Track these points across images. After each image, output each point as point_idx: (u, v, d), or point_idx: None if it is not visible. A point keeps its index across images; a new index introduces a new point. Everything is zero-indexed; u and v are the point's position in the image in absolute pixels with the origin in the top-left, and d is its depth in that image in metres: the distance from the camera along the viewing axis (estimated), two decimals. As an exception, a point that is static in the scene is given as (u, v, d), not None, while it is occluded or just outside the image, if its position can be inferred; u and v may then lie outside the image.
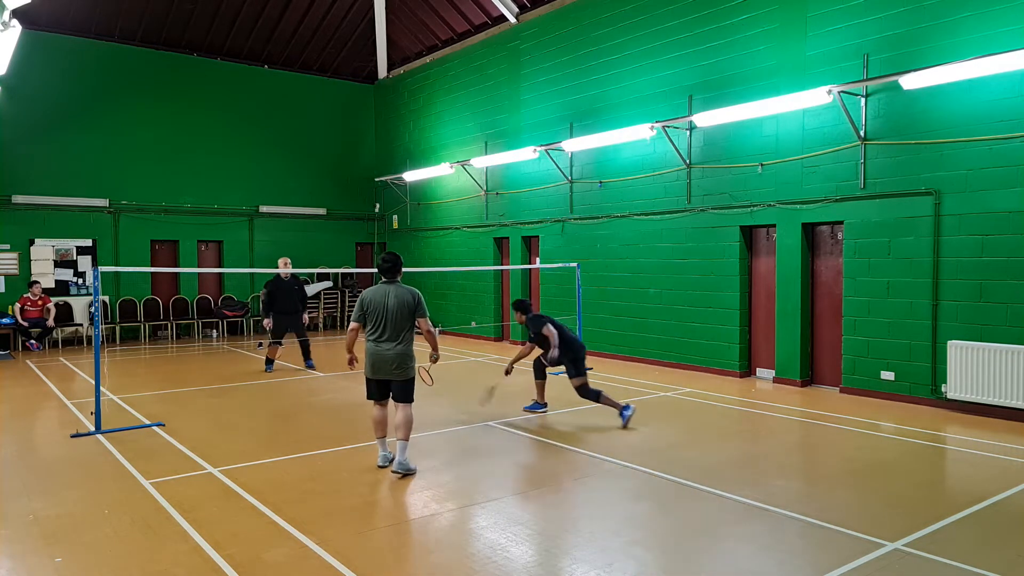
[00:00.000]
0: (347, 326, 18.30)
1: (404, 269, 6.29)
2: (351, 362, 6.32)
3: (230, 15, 16.84)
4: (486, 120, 15.70)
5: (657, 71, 11.75)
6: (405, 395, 6.11)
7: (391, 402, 6.24)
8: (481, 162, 15.07)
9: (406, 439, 6.05)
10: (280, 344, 11.58)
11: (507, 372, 8.55)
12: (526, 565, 4.31)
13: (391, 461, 6.14)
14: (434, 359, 6.36)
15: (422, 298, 6.18)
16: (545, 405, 8.54)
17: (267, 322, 11.40)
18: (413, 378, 6.15)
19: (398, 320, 6.00)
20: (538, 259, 14.49)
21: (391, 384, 6.13)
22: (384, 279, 6.15)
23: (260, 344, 14.71)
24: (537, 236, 14.51)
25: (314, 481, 5.89)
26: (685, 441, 7.12)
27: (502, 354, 13.68)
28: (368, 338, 6.09)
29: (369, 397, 6.29)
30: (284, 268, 11.53)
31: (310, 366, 11.81)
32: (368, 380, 6.21)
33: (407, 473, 5.98)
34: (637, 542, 4.63)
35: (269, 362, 11.61)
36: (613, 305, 12.70)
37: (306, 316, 11.87)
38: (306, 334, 11.94)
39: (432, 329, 6.19)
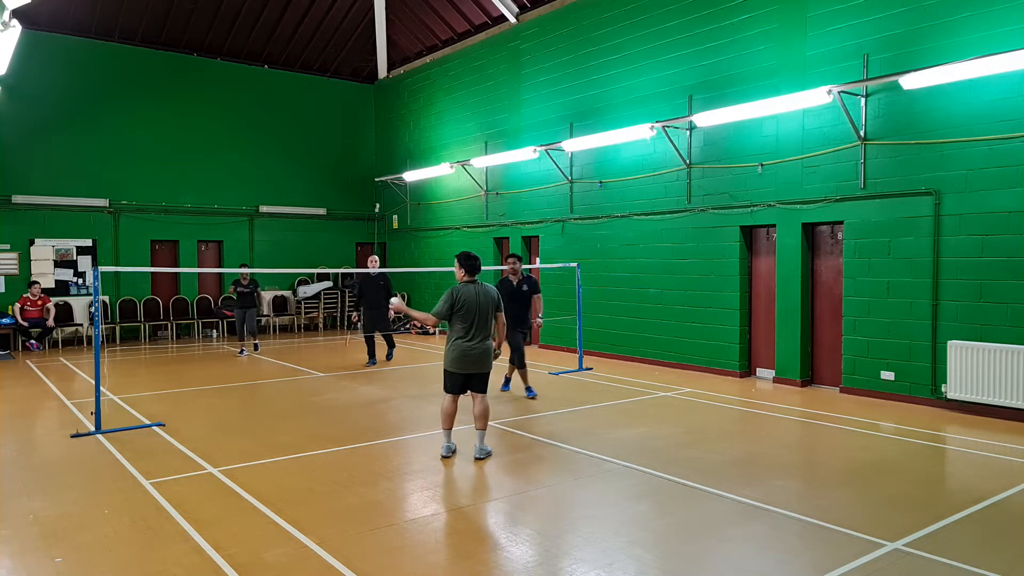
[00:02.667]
0: (348, 326, 18.38)
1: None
2: (419, 324, 7.15)
3: (230, 15, 16.84)
4: (486, 120, 15.70)
5: (657, 71, 11.75)
6: (485, 386, 6.62)
7: (465, 395, 6.67)
8: (481, 162, 15.07)
9: (485, 428, 6.60)
10: (372, 337, 12.44)
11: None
12: (526, 565, 4.31)
13: (454, 452, 6.63)
14: (497, 355, 6.76)
15: (499, 295, 6.71)
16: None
17: (356, 315, 12.64)
18: (489, 370, 6.67)
19: (487, 318, 6.48)
20: (538, 259, 14.49)
21: (474, 377, 6.52)
22: (468, 278, 6.51)
23: (242, 351, 13.95)
24: (537, 236, 14.51)
25: (314, 481, 5.90)
26: (685, 441, 7.12)
27: (502, 354, 13.66)
28: (457, 336, 6.41)
29: (448, 391, 6.58)
30: (372, 267, 12.39)
31: (389, 357, 12.78)
32: (452, 374, 6.50)
33: (487, 456, 6.53)
34: (637, 542, 4.63)
35: (372, 355, 12.48)
36: (613, 305, 12.70)
37: (391, 311, 12.47)
38: (389, 328, 12.77)
39: (505, 321, 6.91)
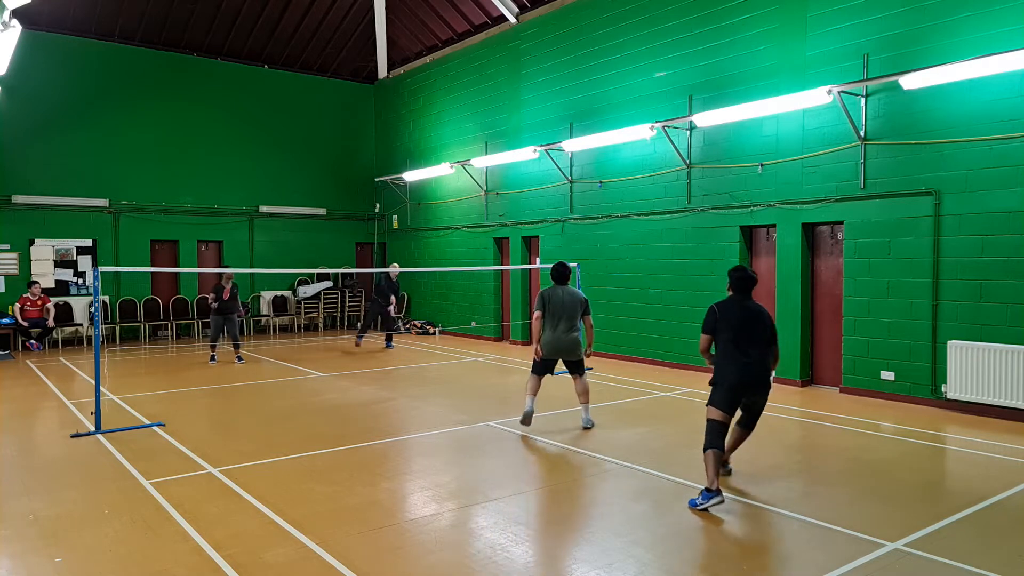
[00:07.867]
0: (346, 325, 18.40)
1: (404, 269, 6.84)
2: (538, 353, 7.58)
3: (230, 15, 16.84)
4: (486, 120, 15.70)
5: (657, 71, 11.74)
6: (580, 368, 7.72)
7: (566, 376, 7.99)
8: (481, 162, 15.07)
9: (588, 402, 7.74)
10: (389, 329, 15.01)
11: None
12: (526, 565, 4.31)
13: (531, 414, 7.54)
14: (588, 354, 7.77)
15: (588, 301, 7.80)
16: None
17: (392, 309, 14.69)
18: (583, 357, 7.74)
19: (572, 315, 7.57)
20: (538, 259, 14.49)
21: (569, 364, 7.67)
22: (555, 283, 7.68)
23: (213, 358, 12.83)
24: (537, 236, 14.51)
25: (314, 481, 5.90)
26: (685, 441, 7.12)
27: (502, 354, 13.69)
28: (547, 328, 7.56)
29: (534, 372, 7.67)
30: (394, 270, 14.26)
31: (389, 347, 14.65)
32: (542, 359, 7.58)
33: (592, 425, 7.64)
34: (637, 542, 4.63)
35: (389, 338, 14.90)
36: (613, 305, 12.70)
37: (391, 309, 14.65)
38: (392, 325, 15.09)
39: (592, 325, 7.86)
